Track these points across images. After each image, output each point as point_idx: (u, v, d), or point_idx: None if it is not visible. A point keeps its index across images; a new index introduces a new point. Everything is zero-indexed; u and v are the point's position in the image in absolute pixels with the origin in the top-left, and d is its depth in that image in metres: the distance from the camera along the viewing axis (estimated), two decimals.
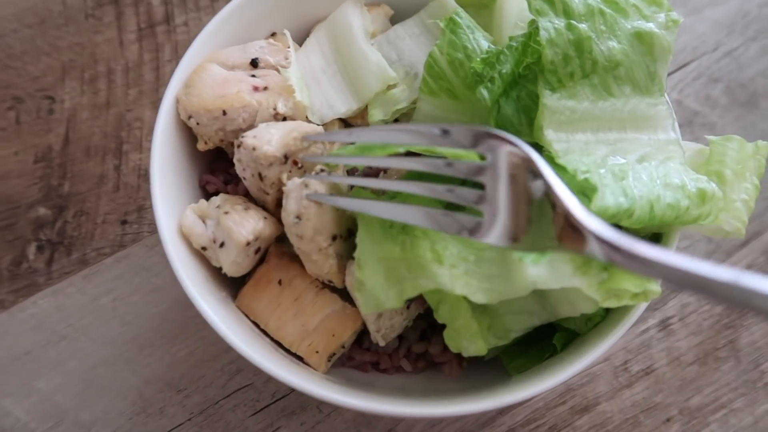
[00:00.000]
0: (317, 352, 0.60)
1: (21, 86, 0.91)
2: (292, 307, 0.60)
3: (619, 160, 0.54)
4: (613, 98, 0.56)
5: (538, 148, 0.54)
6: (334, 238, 0.56)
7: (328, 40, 0.71)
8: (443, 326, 0.65)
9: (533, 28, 0.55)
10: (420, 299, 0.60)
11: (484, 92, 0.56)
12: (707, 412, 0.75)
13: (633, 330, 0.79)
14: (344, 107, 0.67)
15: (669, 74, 0.94)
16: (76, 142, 0.88)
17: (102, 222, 0.84)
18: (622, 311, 0.56)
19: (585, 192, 0.50)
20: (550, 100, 0.54)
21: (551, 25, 0.54)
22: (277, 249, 0.63)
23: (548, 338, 0.60)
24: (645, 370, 0.77)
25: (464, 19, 0.60)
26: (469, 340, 0.54)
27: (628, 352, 0.78)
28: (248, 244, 0.58)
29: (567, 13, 0.56)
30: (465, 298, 0.53)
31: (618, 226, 0.51)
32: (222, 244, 0.59)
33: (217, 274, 0.65)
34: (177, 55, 0.94)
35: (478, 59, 0.57)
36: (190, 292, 0.56)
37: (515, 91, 0.57)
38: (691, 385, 0.76)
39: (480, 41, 0.58)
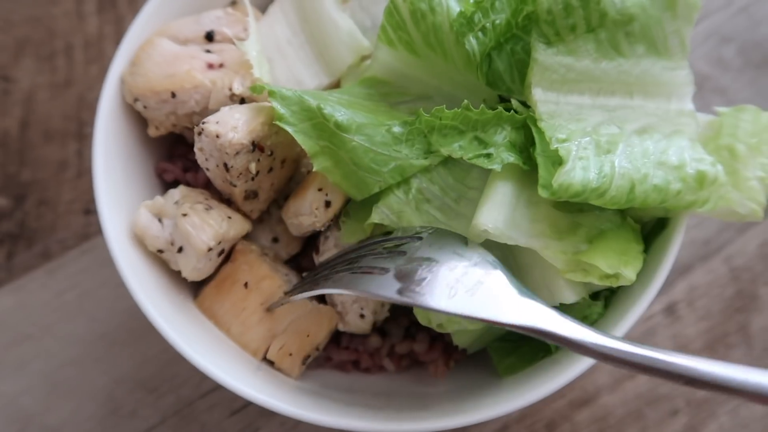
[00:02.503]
0: (290, 354, 0.55)
1: None
2: (257, 311, 0.55)
3: (613, 130, 0.49)
4: (621, 58, 0.50)
5: (526, 106, 0.50)
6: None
7: (294, 8, 0.63)
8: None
9: None
10: None
11: (473, 42, 0.50)
12: (716, 404, 0.70)
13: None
14: (313, 82, 0.60)
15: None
16: (34, 125, 0.82)
17: (64, 211, 0.78)
18: (621, 309, 0.50)
19: (557, 162, 0.46)
20: (543, 55, 0.49)
21: None
22: (244, 247, 0.57)
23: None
24: None
25: None
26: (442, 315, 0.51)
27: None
28: (210, 249, 0.53)
29: None
30: None
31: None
32: (180, 249, 0.53)
33: (174, 273, 0.59)
34: None
35: (471, 1, 0.50)
36: (141, 301, 0.51)
37: (510, 44, 0.51)
38: None
39: (449, 7, 0.51)
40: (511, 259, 0.51)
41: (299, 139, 0.49)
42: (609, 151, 0.47)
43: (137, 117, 0.59)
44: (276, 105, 0.48)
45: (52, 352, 0.72)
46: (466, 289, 0.43)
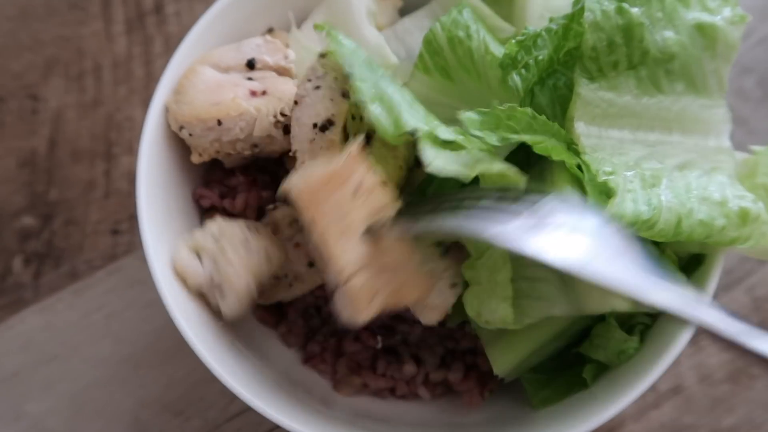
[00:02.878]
0: (372, 297, 0.46)
1: (1, 84, 0.85)
2: (360, 224, 0.47)
3: (655, 165, 0.50)
4: (661, 95, 0.51)
5: (568, 140, 0.50)
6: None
7: (326, 22, 0.64)
8: (464, 352, 0.61)
9: (578, 8, 0.49)
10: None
11: (517, 79, 0.51)
12: None
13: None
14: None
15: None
16: (62, 144, 0.82)
17: (92, 232, 0.78)
18: (658, 345, 0.50)
19: (606, 194, 0.47)
20: (585, 90, 0.50)
21: (598, 6, 0.49)
22: (359, 152, 0.49)
23: (575, 368, 0.55)
24: (673, 389, 0.72)
25: (473, 13, 0.56)
26: (498, 302, 0.49)
27: None
28: (250, 288, 0.53)
29: None
30: (508, 259, 0.49)
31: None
32: (221, 288, 0.54)
33: None
34: (168, 48, 0.87)
35: (513, 41, 0.51)
36: (176, 318, 0.52)
37: (552, 79, 0.52)
38: (723, 405, 0.71)
39: (486, 37, 0.53)
40: None
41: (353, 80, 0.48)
42: (654, 185, 0.47)
43: (178, 144, 0.60)
44: (335, 44, 0.50)
45: (79, 373, 0.72)
46: (607, 255, 0.39)
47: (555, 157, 0.47)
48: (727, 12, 0.52)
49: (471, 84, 0.54)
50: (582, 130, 0.49)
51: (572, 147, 0.49)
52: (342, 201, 0.46)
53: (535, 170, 0.52)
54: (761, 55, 0.88)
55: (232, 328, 0.60)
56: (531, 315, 0.50)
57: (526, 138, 0.47)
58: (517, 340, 0.54)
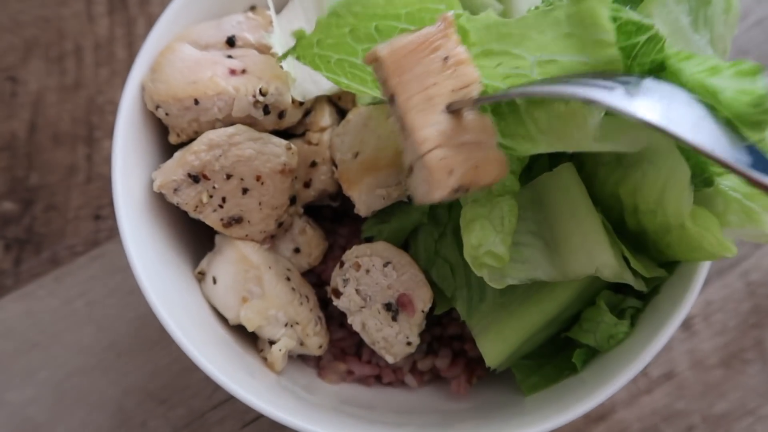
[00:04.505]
0: (450, 171, 0.42)
1: None
2: (445, 97, 0.44)
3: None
4: (698, 34, 0.48)
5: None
6: None
7: (313, 4, 0.62)
8: (451, 338, 0.60)
9: None
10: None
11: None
12: (732, 420, 0.69)
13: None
14: (329, 83, 0.59)
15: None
16: (42, 128, 0.80)
17: (73, 217, 0.77)
18: (648, 329, 0.49)
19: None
20: None
21: None
22: (450, 20, 0.45)
23: (564, 355, 0.54)
24: (666, 374, 0.71)
25: None
26: (501, 240, 0.47)
27: None
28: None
29: None
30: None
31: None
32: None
33: (190, 282, 0.58)
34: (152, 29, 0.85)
35: None
36: (156, 308, 0.51)
37: None
38: (716, 390, 0.70)
39: None
40: (546, 228, 0.50)
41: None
42: None
43: (156, 124, 0.58)
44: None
45: (60, 361, 0.71)
46: (710, 126, 0.37)
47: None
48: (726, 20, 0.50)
49: None
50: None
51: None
52: (429, 70, 0.43)
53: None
54: (758, 37, 0.87)
55: (215, 317, 0.58)
56: (515, 276, 0.49)
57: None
58: (507, 330, 0.53)
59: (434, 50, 0.43)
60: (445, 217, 0.54)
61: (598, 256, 0.47)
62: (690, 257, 0.48)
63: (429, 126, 0.42)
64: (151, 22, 0.86)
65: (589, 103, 0.41)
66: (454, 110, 0.43)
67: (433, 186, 0.42)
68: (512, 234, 0.47)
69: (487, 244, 0.46)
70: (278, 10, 0.64)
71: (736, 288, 0.75)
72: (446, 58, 0.43)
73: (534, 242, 0.50)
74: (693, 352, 0.72)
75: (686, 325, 0.73)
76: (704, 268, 0.50)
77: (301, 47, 0.46)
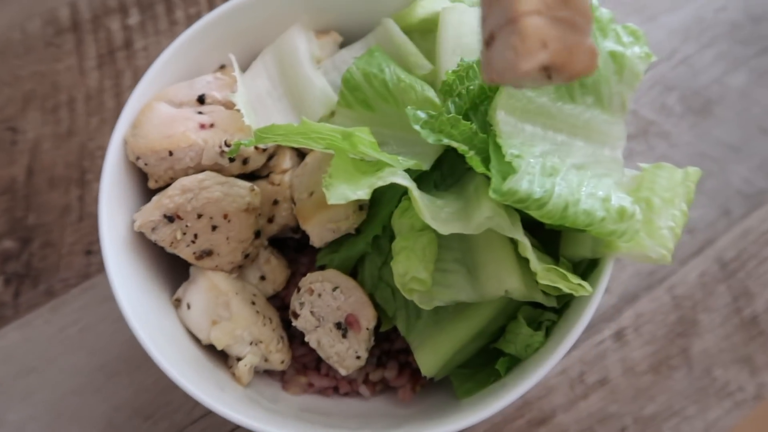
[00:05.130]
0: (544, 44, 0.38)
1: None
2: None
3: (556, 160, 0.56)
4: (573, 104, 0.57)
5: (488, 126, 0.56)
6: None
7: (274, 64, 0.72)
8: (398, 352, 0.68)
9: None
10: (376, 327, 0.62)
11: (452, 107, 0.58)
12: (660, 420, 0.77)
13: (589, 342, 0.81)
14: None
15: None
16: (39, 172, 0.89)
17: (67, 253, 0.85)
18: (557, 340, 0.57)
19: (508, 172, 0.52)
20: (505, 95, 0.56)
21: None
22: None
23: (494, 363, 0.62)
24: (600, 381, 0.79)
25: (381, 52, 0.64)
26: (424, 267, 0.56)
27: (584, 363, 0.80)
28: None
29: None
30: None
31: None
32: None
33: (169, 307, 0.66)
34: (137, 81, 0.93)
35: (450, 71, 0.58)
36: (139, 335, 0.58)
37: (484, 104, 0.58)
38: (645, 394, 0.78)
39: (396, 69, 0.61)
40: (468, 256, 0.59)
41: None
42: (551, 175, 0.54)
43: (137, 171, 0.67)
44: (257, 143, 0.55)
45: (56, 383, 0.79)
46: None
47: (478, 169, 0.54)
48: (636, 49, 0.58)
49: (390, 110, 0.62)
50: (501, 117, 0.54)
51: (491, 131, 0.55)
52: None
53: (464, 179, 0.59)
54: (683, 74, 0.96)
55: (189, 339, 0.66)
56: (441, 299, 0.57)
57: (459, 145, 0.54)
58: (440, 343, 0.61)
59: None
60: (387, 247, 0.63)
61: (506, 281, 0.56)
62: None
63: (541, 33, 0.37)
64: (136, 74, 0.95)
65: None
66: None
67: (522, 55, 0.37)
68: (433, 261, 0.56)
69: (412, 271, 0.55)
70: (244, 68, 0.73)
71: (664, 301, 0.83)
72: None
73: (458, 269, 0.58)
74: (625, 360, 0.80)
75: (619, 335, 0.81)
76: (602, 288, 0.58)
77: (259, 138, 0.56)
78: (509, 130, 0.55)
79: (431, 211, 0.54)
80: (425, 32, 0.70)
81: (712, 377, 0.79)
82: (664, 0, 1.01)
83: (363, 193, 0.51)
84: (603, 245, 0.57)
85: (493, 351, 0.64)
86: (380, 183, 0.52)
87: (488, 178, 0.53)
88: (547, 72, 0.38)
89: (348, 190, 0.51)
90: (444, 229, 0.54)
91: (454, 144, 0.54)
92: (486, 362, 0.64)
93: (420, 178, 0.59)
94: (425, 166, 0.59)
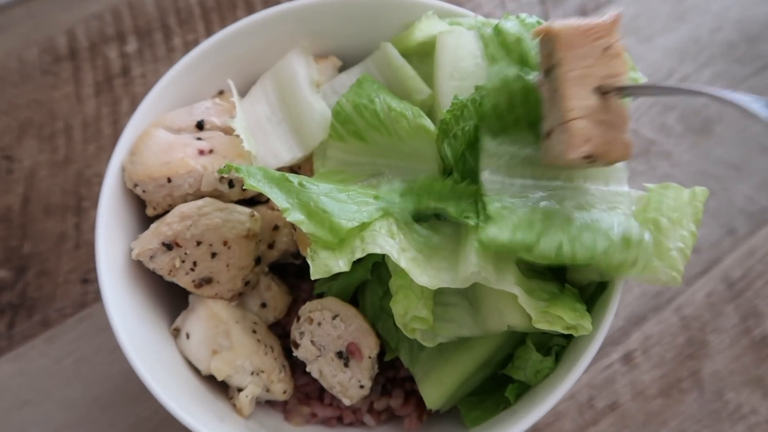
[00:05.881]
0: (587, 140, 0.50)
1: None
2: (597, 81, 0.50)
3: (552, 204, 0.55)
4: None
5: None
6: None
7: (273, 89, 0.71)
8: (403, 380, 0.66)
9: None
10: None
11: (447, 149, 0.58)
12: None
13: (597, 366, 0.79)
14: (289, 156, 0.67)
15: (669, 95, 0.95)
16: (35, 201, 0.88)
17: (63, 281, 0.83)
18: (568, 366, 0.56)
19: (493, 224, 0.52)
20: (489, 144, 0.56)
21: (500, 73, 0.55)
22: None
23: (502, 390, 0.60)
24: (610, 405, 0.77)
25: (371, 81, 0.64)
26: (423, 305, 0.55)
27: (592, 388, 0.78)
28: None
29: (522, 61, 0.57)
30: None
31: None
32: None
33: (166, 337, 0.65)
34: (135, 108, 0.93)
35: (446, 111, 0.58)
36: (137, 367, 0.57)
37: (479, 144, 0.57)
38: (657, 418, 0.76)
39: (386, 98, 0.60)
40: (470, 289, 0.57)
41: (271, 196, 0.54)
42: (542, 217, 0.53)
43: (135, 198, 0.66)
44: (243, 176, 0.54)
45: (51, 417, 0.76)
46: None
47: (470, 221, 0.54)
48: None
49: (383, 139, 0.61)
50: (486, 177, 0.55)
51: (478, 192, 0.55)
52: (592, 53, 0.50)
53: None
54: None
55: (189, 369, 0.65)
56: (443, 335, 0.56)
57: (440, 208, 0.54)
58: (445, 376, 0.60)
59: (599, 38, 0.51)
60: (388, 276, 0.61)
61: (507, 317, 0.55)
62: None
63: (579, 98, 0.49)
64: (134, 101, 0.95)
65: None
66: (602, 92, 0.50)
67: (570, 147, 0.49)
68: (432, 298, 0.55)
69: (412, 310, 0.54)
70: (242, 94, 0.73)
71: (672, 322, 0.82)
72: (607, 48, 0.51)
73: (460, 302, 0.57)
74: (634, 384, 0.78)
75: (628, 358, 0.80)
76: (611, 311, 0.57)
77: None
78: (497, 188, 0.55)
79: (418, 267, 0.53)
80: (424, 55, 0.70)
81: (724, 400, 0.77)
82: (659, 21, 1.02)
83: (343, 264, 0.52)
84: (612, 269, 0.56)
85: (501, 377, 0.62)
86: (359, 254, 0.52)
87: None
88: (591, 159, 0.51)
89: (331, 261, 0.52)
90: (432, 284, 0.53)
91: (437, 208, 0.55)
92: (494, 389, 0.62)
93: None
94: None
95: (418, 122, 0.61)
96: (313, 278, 0.52)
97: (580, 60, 0.50)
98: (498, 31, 0.58)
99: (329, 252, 0.53)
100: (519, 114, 0.56)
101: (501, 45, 0.57)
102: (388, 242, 0.53)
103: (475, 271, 0.53)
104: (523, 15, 0.60)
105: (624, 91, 0.50)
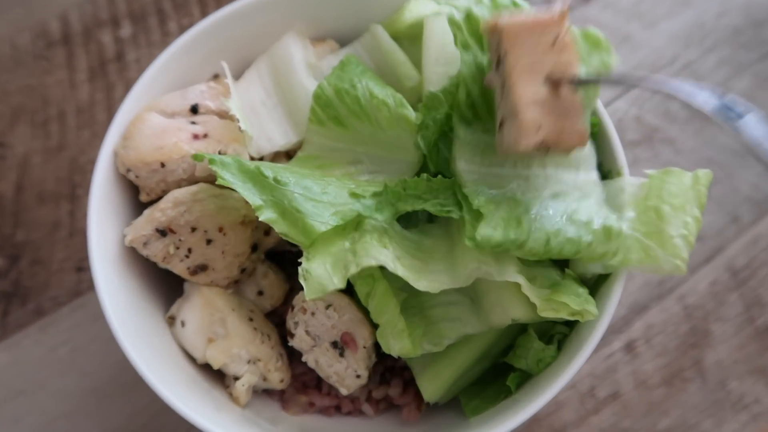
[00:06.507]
0: (539, 127, 0.50)
1: None
2: (546, 71, 0.50)
3: (530, 194, 0.54)
4: None
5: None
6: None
7: (268, 72, 0.70)
8: (402, 369, 0.65)
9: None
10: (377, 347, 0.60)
11: (421, 141, 0.57)
12: None
13: (598, 355, 0.78)
14: (283, 140, 0.66)
15: (628, 90, 0.93)
16: (28, 188, 0.86)
17: (57, 270, 0.82)
18: (570, 355, 0.55)
19: (479, 219, 0.52)
20: (463, 132, 0.55)
21: (473, 61, 0.54)
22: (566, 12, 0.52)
23: (503, 378, 0.59)
24: (612, 395, 0.76)
25: (354, 62, 0.62)
26: (395, 338, 0.54)
27: (594, 377, 0.77)
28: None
29: None
30: (393, 295, 0.54)
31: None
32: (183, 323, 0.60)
33: (161, 326, 0.64)
34: None
35: (421, 105, 0.56)
36: (131, 357, 0.56)
37: (452, 132, 0.57)
38: (659, 408, 0.76)
39: (369, 84, 0.59)
40: (470, 289, 0.57)
41: (243, 193, 0.52)
42: (526, 211, 0.53)
43: (128, 184, 0.65)
44: (216, 169, 0.53)
45: (46, 407, 0.75)
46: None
47: (453, 215, 0.53)
48: (594, 60, 0.56)
49: (363, 127, 0.59)
50: (463, 167, 0.54)
51: (456, 183, 0.54)
52: (539, 46, 0.51)
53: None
54: (686, 79, 0.95)
55: (184, 358, 0.63)
56: (449, 336, 0.55)
57: (418, 207, 0.53)
58: (442, 369, 0.59)
59: (546, 31, 0.51)
60: None
61: (511, 310, 0.54)
62: None
63: (528, 88, 0.50)
64: (128, 87, 0.92)
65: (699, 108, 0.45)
66: (552, 83, 0.50)
67: (522, 135, 0.49)
68: (398, 318, 0.54)
69: (391, 347, 0.54)
70: (237, 78, 0.71)
71: (675, 311, 0.80)
72: (555, 40, 0.51)
73: (461, 299, 0.56)
74: (637, 373, 0.77)
75: (630, 347, 0.79)
76: (615, 298, 0.55)
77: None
78: (474, 178, 0.54)
79: (415, 272, 0.52)
80: (414, 38, 0.67)
81: (727, 390, 0.76)
82: (663, 6, 1.00)
83: (338, 282, 0.51)
84: (595, 260, 0.55)
85: (501, 365, 0.61)
86: (353, 270, 0.51)
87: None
88: (544, 147, 0.51)
89: (325, 279, 0.51)
90: (433, 288, 0.52)
91: (417, 207, 0.54)
92: (494, 377, 0.61)
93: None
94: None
95: (399, 112, 0.59)
96: (308, 299, 0.52)
97: (527, 52, 0.50)
98: (469, 17, 0.56)
99: (323, 270, 0.52)
100: (492, 102, 0.55)
101: (471, 33, 0.55)
102: (382, 253, 0.52)
103: (476, 267, 0.52)
104: None
105: (574, 81, 0.51)
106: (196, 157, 0.54)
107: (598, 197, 0.55)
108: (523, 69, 0.50)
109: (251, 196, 0.52)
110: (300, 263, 0.52)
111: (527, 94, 0.50)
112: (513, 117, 0.50)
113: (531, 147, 0.49)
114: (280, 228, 0.52)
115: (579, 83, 0.51)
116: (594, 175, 0.57)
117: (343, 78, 0.60)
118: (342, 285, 0.51)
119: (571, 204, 0.54)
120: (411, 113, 0.59)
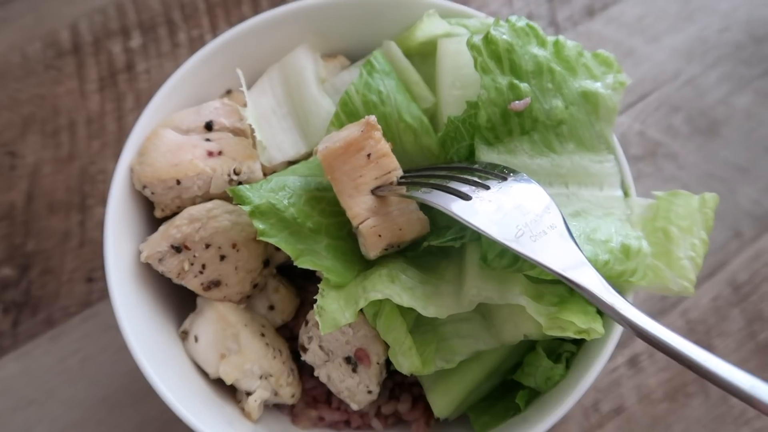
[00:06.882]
0: (379, 236, 0.56)
1: None
2: (370, 183, 0.57)
3: None
4: (554, 154, 0.57)
5: None
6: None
7: (280, 82, 0.71)
8: (411, 384, 0.66)
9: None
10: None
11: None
12: None
13: (603, 369, 0.79)
14: (293, 150, 0.67)
15: (631, 105, 0.95)
16: (39, 198, 0.87)
17: (67, 280, 0.83)
18: (579, 373, 0.56)
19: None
20: (484, 154, 0.56)
21: (492, 84, 0.55)
22: (374, 124, 0.57)
23: (512, 395, 0.60)
24: (615, 409, 0.77)
25: (381, 63, 0.62)
26: (403, 355, 0.55)
27: (598, 391, 0.78)
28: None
29: (514, 71, 0.56)
30: (400, 313, 0.56)
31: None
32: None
33: (172, 336, 0.64)
34: (139, 104, 0.93)
35: (439, 135, 0.58)
36: (143, 367, 0.57)
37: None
38: (662, 422, 0.77)
39: (393, 90, 0.60)
40: (482, 305, 0.58)
41: (283, 247, 0.55)
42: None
43: (143, 199, 0.65)
44: (256, 223, 0.55)
45: (56, 416, 0.76)
46: (531, 235, 0.49)
47: (455, 244, 0.54)
48: (609, 79, 0.58)
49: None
50: None
51: None
52: (357, 164, 0.56)
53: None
54: (688, 94, 0.96)
55: (197, 372, 0.64)
56: (462, 352, 0.56)
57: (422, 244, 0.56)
58: (453, 384, 0.60)
59: (359, 150, 0.56)
60: None
61: (523, 326, 0.55)
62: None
63: (358, 205, 0.56)
64: (138, 97, 0.94)
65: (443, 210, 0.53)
66: (380, 193, 0.56)
67: (369, 247, 0.56)
68: (406, 336, 0.55)
69: (401, 365, 0.56)
70: (249, 86, 0.72)
71: (678, 326, 0.82)
72: (369, 155, 0.56)
73: (473, 316, 0.57)
74: (640, 388, 0.78)
75: (634, 362, 0.80)
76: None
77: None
78: None
79: (423, 300, 0.54)
80: (425, 56, 0.69)
81: (730, 404, 0.77)
82: (666, 21, 1.01)
83: (350, 316, 0.54)
84: (613, 279, 0.55)
85: (510, 382, 0.62)
86: (362, 304, 0.54)
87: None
88: (391, 246, 0.57)
89: (338, 314, 0.54)
90: (440, 314, 0.54)
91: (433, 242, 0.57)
92: (503, 394, 0.62)
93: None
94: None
95: (424, 141, 0.61)
96: (323, 333, 0.54)
97: (348, 175, 0.56)
98: (488, 40, 0.57)
99: (336, 306, 0.55)
100: (512, 124, 0.56)
101: (491, 55, 0.56)
102: (389, 287, 0.54)
103: (475, 294, 0.53)
104: (513, 18, 0.58)
105: (395, 186, 0.56)
106: (233, 191, 0.56)
107: (620, 214, 0.56)
108: (348, 190, 0.56)
109: (289, 247, 0.55)
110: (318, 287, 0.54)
111: (359, 211, 0.56)
112: (358, 231, 0.56)
113: (381, 253, 0.56)
114: (320, 267, 0.56)
115: (401, 185, 0.56)
116: (618, 191, 0.58)
117: (371, 87, 0.61)
118: (353, 319, 0.54)
119: (592, 222, 0.54)
120: (434, 143, 0.60)
